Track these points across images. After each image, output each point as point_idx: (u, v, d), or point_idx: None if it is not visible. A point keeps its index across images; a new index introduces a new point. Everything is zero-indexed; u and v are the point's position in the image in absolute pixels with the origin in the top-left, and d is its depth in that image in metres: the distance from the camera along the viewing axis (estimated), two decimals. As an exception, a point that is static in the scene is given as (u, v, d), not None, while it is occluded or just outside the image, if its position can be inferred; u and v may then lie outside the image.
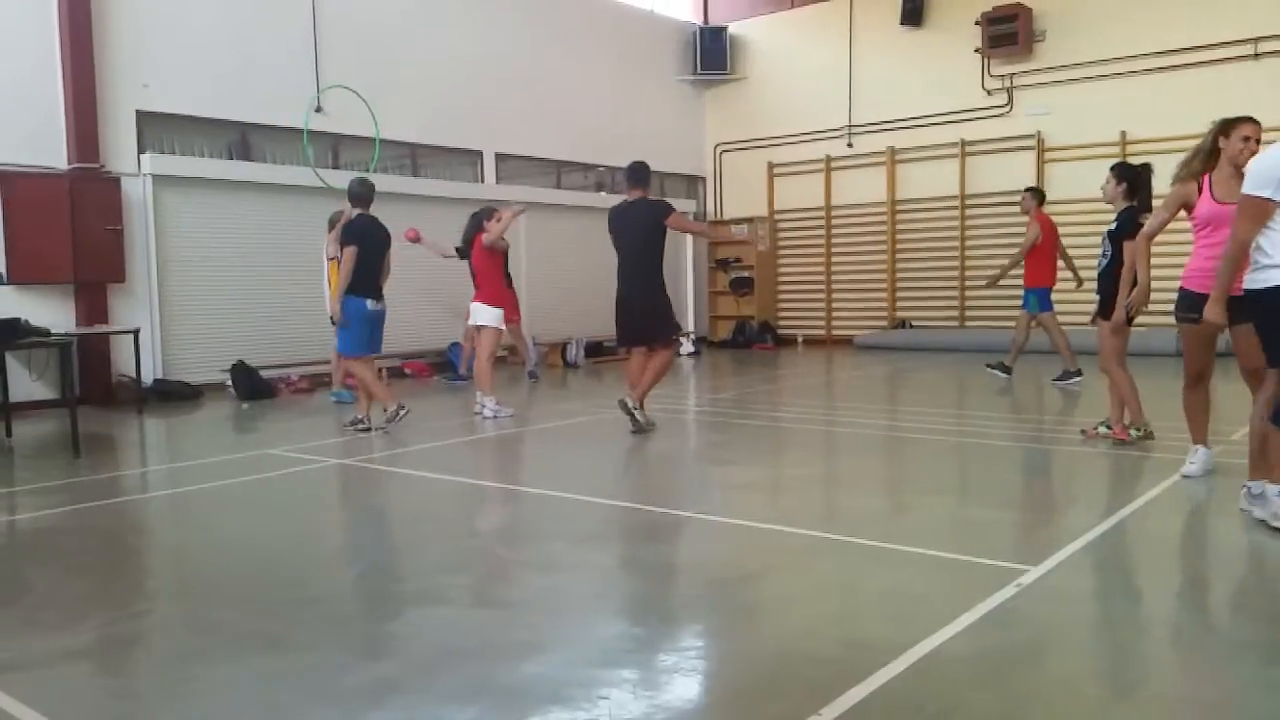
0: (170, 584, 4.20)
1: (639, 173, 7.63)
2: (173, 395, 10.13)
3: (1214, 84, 12.38)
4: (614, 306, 7.71)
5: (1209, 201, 5.01)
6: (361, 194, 7.92)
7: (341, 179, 10.11)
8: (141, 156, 10.34)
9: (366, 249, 7.70)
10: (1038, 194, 10.32)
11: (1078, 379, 9.68)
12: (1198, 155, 5.12)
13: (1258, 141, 4.94)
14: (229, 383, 10.45)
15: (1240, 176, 4.98)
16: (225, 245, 10.91)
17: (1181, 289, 5.18)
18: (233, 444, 7.84)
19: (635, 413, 7.41)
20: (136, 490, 6.20)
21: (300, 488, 5.98)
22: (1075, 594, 3.62)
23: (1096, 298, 6.51)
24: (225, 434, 8.44)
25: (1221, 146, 5.00)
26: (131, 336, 9.72)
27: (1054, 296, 10.01)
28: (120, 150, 10.24)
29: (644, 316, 7.49)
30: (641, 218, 7.49)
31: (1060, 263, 10.12)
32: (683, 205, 15.49)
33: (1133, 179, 6.38)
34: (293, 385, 10.90)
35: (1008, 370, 10.38)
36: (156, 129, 10.64)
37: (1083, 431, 6.80)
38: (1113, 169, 6.57)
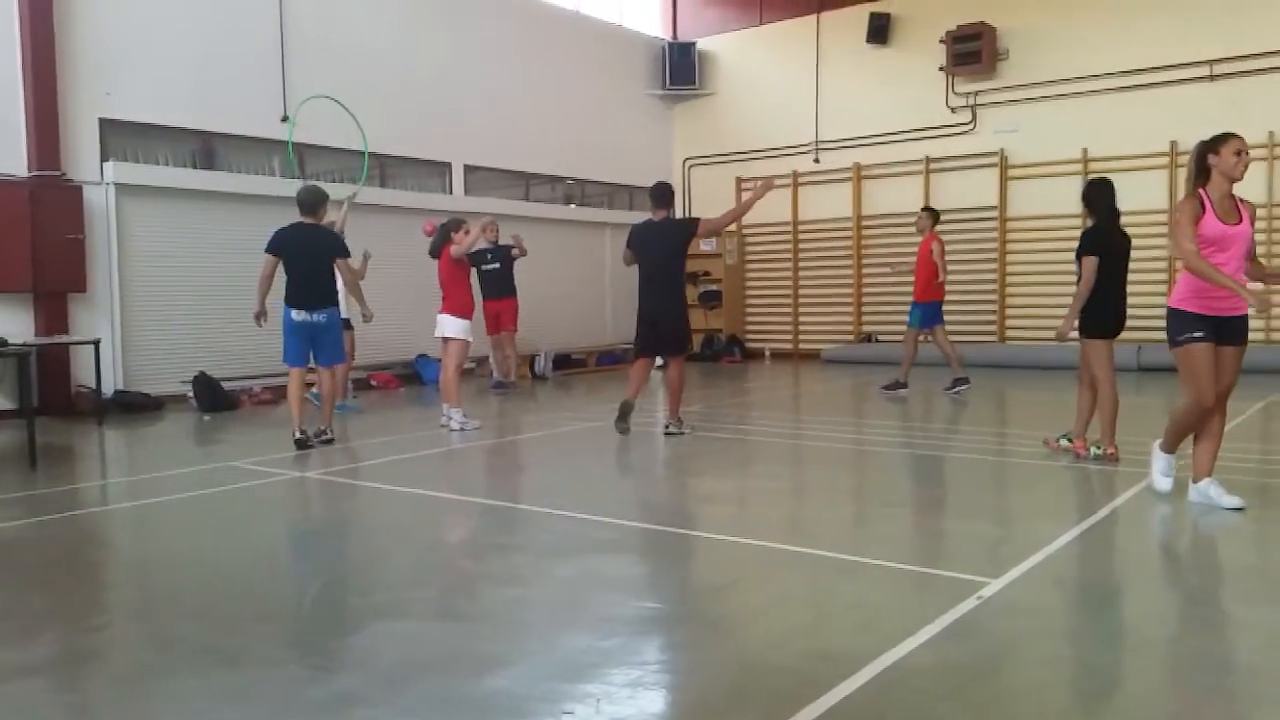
0: (128, 598, 4.14)
1: (663, 193, 7.94)
2: (133, 406, 9.99)
3: (1172, 103, 12.68)
4: (636, 320, 8.01)
5: (1215, 222, 4.84)
6: (302, 200, 7.83)
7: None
8: (104, 164, 10.21)
9: (291, 258, 7.64)
10: (933, 214, 10.82)
11: (966, 386, 10.43)
12: (1190, 182, 5.01)
13: (1248, 154, 4.92)
14: (191, 394, 10.32)
15: (1232, 194, 4.99)
16: (188, 255, 10.78)
17: (1174, 309, 4.97)
18: (194, 456, 7.74)
19: (677, 429, 7.78)
20: (95, 503, 6.09)
21: (262, 501, 5.91)
22: (1035, 606, 3.66)
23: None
24: (186, 446, 8.33)
25: (1212, 164, 4.90)
26: (92, 347, 9.54)
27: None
28: (82, 158, 10.09)
29: (668, 330, 7.78)
30: (668, 237, 7.77)
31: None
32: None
33: (1085, 195, 6.54)
34: (255, 397, 10.78)
35: (904, 385, 10.63)
36: (119, 137, 10.50)
37: (1045, 442, 6.89)
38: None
